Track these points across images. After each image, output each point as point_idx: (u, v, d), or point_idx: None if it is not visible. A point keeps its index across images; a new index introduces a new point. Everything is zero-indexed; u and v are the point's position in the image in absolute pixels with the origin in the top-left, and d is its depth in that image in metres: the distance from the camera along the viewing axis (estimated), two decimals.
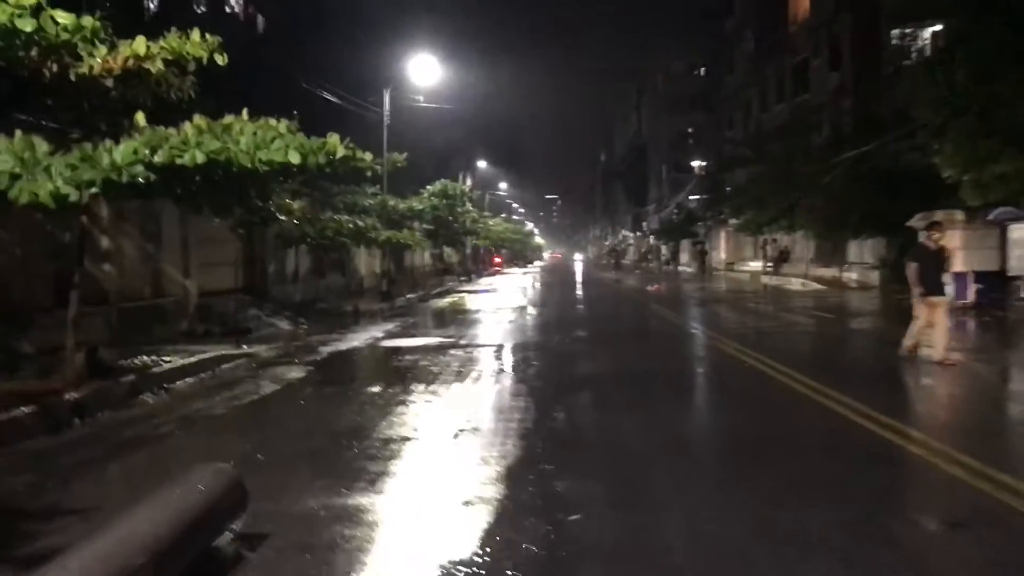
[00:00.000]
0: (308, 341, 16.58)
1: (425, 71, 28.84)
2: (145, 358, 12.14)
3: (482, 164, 62.44)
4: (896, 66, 31.55)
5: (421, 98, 28.24)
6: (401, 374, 11.65)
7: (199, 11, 29.38)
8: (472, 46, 37.50)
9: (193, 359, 12.46)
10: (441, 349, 14.39)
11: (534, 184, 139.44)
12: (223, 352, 13.62)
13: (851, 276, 32.73)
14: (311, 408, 9.73)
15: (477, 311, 23.97)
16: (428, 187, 30.29)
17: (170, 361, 12.02)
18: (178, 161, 7.72)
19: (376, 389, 10.41)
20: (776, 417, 8.46)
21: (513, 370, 11.87)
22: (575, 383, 10.91)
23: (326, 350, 14.88)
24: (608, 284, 40.89)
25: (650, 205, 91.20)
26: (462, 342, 15.40)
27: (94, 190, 7.41)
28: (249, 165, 7.91)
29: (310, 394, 10.61)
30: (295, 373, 12.15)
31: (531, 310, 24.10)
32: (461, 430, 7.85)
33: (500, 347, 14.50)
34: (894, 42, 33.25)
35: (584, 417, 8.83)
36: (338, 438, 7.64)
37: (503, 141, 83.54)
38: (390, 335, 17.41)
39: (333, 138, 8.81)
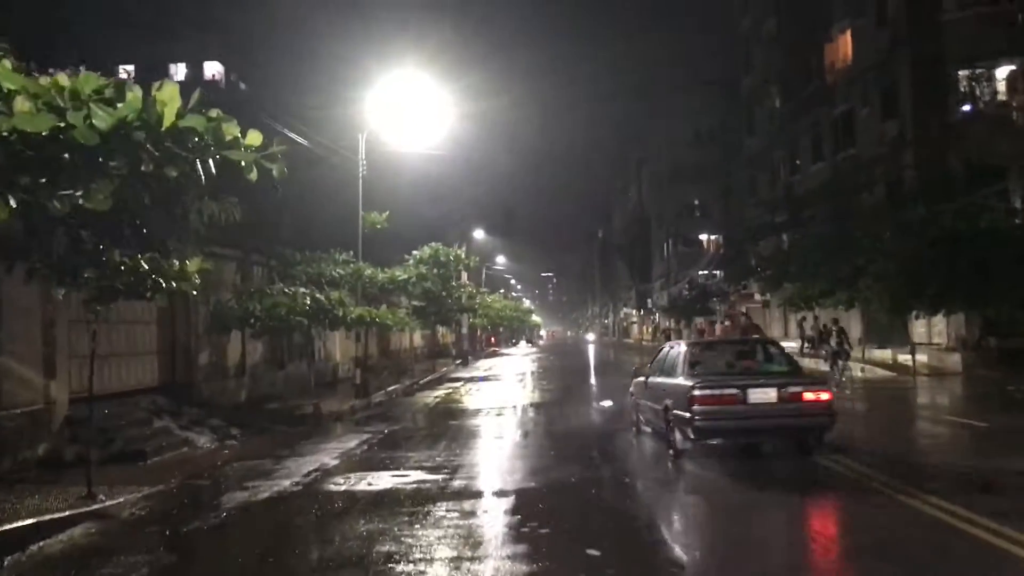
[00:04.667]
0: (219, 474, 10.91)
1: (413, 120, 23.67)
2: None
3: (479, 235, 57.25)
4: (973, 111, 26.63)
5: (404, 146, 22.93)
6: None
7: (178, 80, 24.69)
8: (461, 108, 33.15)
9: None
10: (418, 500, 8.69)
11: (530, 261, 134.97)
12: (49, 515, 8.04)
13: (921, 359, 27.08)
14: None
15: (476, 412, 18.24)
16: (415, 252, 24.75)
17: None
18: None
19: None
20: None
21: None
22: None
23: (233, 500, 9.20)
24: (627, 364, 35.11)
25: (656, 281, 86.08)
26: (454, 483, 9.66)
27: None
28: None
29: None
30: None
31: (550, 410, 18.39)
32: None
33: (516, 498, 8.77)
34: (962, 85, 28.40)
35: None
36: None
37: (498, 214, 79.08)
38: (348, 463, 11.70)
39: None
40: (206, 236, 17.41)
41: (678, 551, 6.57)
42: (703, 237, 73.96)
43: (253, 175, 5.34)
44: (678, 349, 12.34)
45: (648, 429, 13.00)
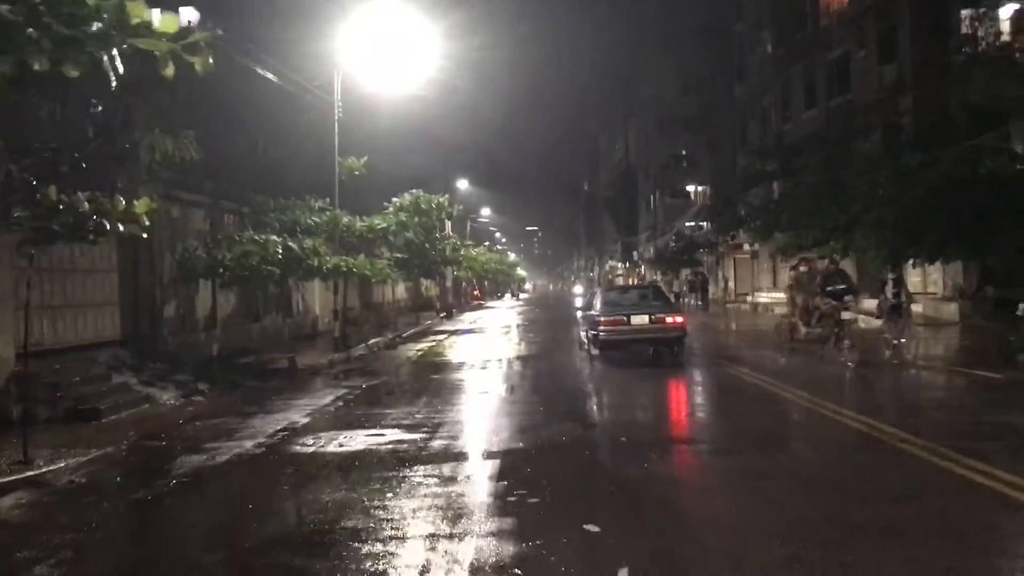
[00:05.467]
0: (178, 434, 10.02)
1: (395, 64, 22.32)
2: None
3: (463, 185, 55.90)
4: (972, 54, 25.57)
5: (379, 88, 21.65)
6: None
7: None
8: (445, 48, 31.60)
9: None
10: (393, 464, 7.81)
11: (514, 214, 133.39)
12: None
13: (916, 309, 26.36)
14: None
15: (460, 366, 17.36)
16: (395, 199, 23.53)
17: None
18: None
19: None
20: None
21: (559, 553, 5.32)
22: None
23: (188, 464, 8.30)
24: None
25: (642, 233, 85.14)
26: (434, 444, 8.78)
27: None
28: None
29: None
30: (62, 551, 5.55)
31: (537, 363, 17.55)
32: None
33: (501, 461, 7.89)
34: (963, 26, 27.27)
35: None
36: None
37: (483, 166, 77.60)
38: (320, 420, 10.80)
39: None
40: (169, 179, 16.51)
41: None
42: (690, 188, 72.88)
43: (170, 70, 4.32)
44: (598, 293, 20.40)
45: (585, 343, 18.74)
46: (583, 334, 19.24)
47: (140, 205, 8.66)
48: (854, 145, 30.35)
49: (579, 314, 20.82)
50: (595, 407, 11.48)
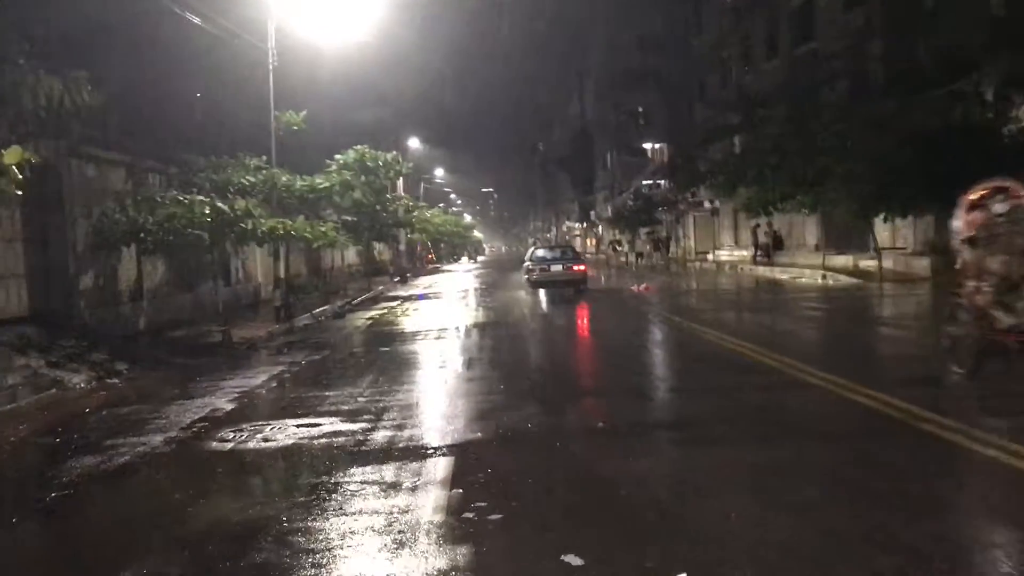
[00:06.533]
0: (78, 427, 8.55)
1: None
2: None
3: (414, 144, 53.91)
4: None
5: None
6: None
7: None
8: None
9: None
10: (324, 466, 6.45)
11: (468, 175, 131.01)
12: None
13: (887, 265, 25.49)
14: None
15: (413, 336, 15.98)
16: (338, 156, 21.78)
17: None
18: None
19: None
20: None
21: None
22: None
23: (76, 468, 6.86)
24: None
25: (599, 193, 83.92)
26: (376, 437, 7.40)
27: None
28: None
29: None
30: None
31: (496, 329, 16.23)
32: None
33: (456, 458, 6.56)
34: None
35: None
36: None
37: (434, 122, 75.44)
38: (247, 406, 9.37)
39: None
40: (82, 135, 14.74)
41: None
42: (648, 146, 71.45)
43: None
44: (531, 250, 34.41)
45: (524, 279, 29.33)
46: (524, 276, 29.87)
47: (9, 155, 7.11)
48: (820, 95, 29.30)
49: (523, 264, 32.34)
50: (564, 384, 10.17)
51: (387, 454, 6.72)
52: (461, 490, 5.58)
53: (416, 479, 5.96)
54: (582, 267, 26.26)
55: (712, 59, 44.06)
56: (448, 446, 6.87)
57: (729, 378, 9.56)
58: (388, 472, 6.18)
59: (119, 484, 6.51)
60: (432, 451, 6.75)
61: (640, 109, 72.12)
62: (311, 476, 6.20)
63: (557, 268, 25.94)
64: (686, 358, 11.66)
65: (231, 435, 7.79)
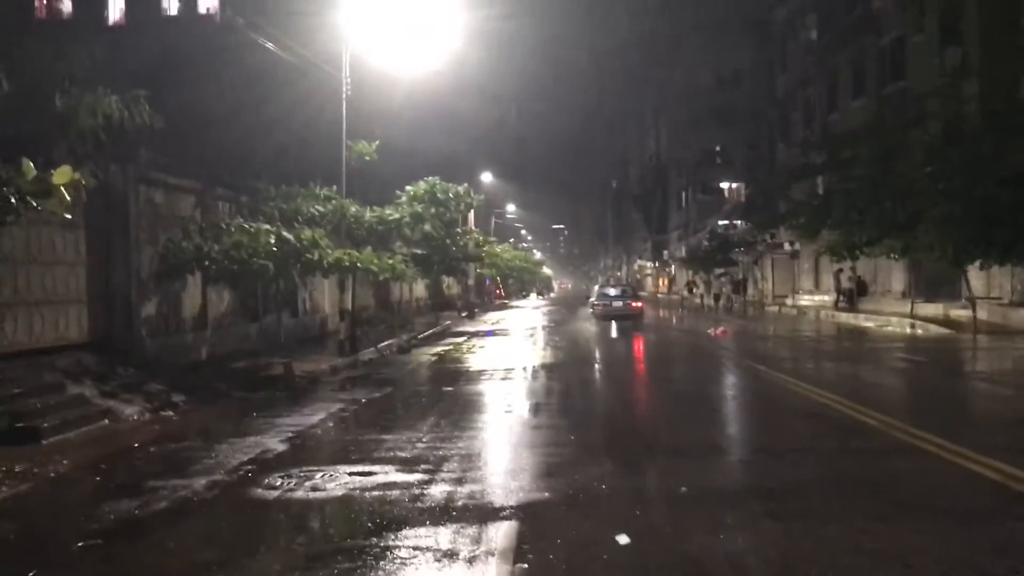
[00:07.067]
0: (122, 464, 8.09)
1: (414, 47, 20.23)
2: None
3: (487, 178, 53.70)
4: None
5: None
6: None
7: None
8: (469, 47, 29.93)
9: None
10: (379, 523, 5.78)
11: (540, 211, 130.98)
12: None
13: (982, 316, 23.92)
14: None
15: (479, 375, 15.31)
16: (408, 188, 21.37)
17: None
18: None
19: None
20: None
21: None
22: None
23: (111, 515, 6.37)
24: (647, 324, 32.06)
25: (672, 232, 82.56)
26: (433, 492, 6.70)
27: None
28: None
29: None
30: None
31: (564, 371, 15.45)
32: None
33: (520, 523, 5.83)
34: None
35: None
36: None
37: (507, 155, 75.34)
38: (300, 448, 8.79)
39: None
40: (151, 161, 14.59)
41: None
42: (724, 185, 70.15)
43: None
44: (596, 288, 45.77)
45: (590, 311, 34.89)
46: (590, 310, 35.48)
47: (58, 175, 6.69)
48: (910, 135, 27.96)
49: (589, 300, 39.46)
50: (639, 437, 9.33)
51: (444, 513, 6.02)
52: (526, 566, 4.83)
53: (475, 547, 5.24)
54: (639, 304, 31.79)
55: (795, 98, 42.90)
56: (512, 508, 6.13)
57: (826, 438, 8.60)
58: (444, 536, 5.48)
59: (151, 535, 5.92)
60: (494, 513, 6.02)
61: (718, 148, 70.96)
62: (359, 537, 5.53)
63: (618, 304, 31.48)
64: (775, 412, 10.68)
65: (279, 481, 7.19)
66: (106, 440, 9.55)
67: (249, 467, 7.85)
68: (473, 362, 17.91)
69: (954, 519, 5.64)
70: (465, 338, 25.32)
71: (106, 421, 10.59)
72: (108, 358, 13.00)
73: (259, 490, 6.97)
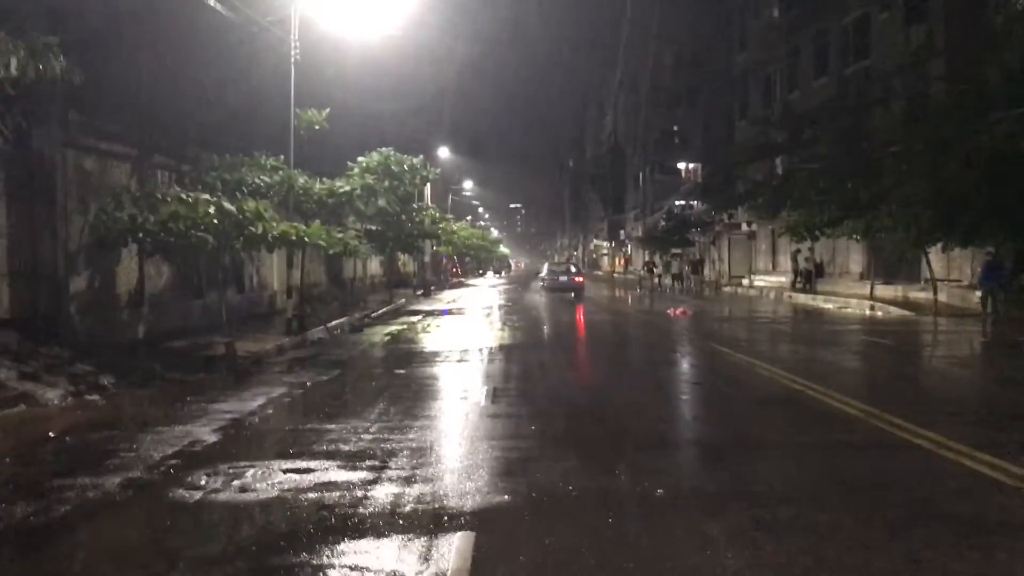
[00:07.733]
0: (27, 460, 7.17)
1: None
2: None
3: (444, 153, 52.63)
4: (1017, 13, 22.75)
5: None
6: None
7: None
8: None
9: None
10: (314, 534, 5.00)
11: (497, 189, 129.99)
12: None
13: (941, 299, 23.70)
14: None
15: (433, 356, 14.54)
16: (361, 159, 20.30)
17: None
18: None
19: None
20: None
21: None
22: None
23: (6, 517, 5.41)
24: (606, 305, 31.51)
25: (629, 212, 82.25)
26: (377, 494, 5.93)
27: None
28: None
29: None
30: None
31: (524, 353, 14.72)
32: None
33: (481, 529, 5.12)
34: None
35: None
36: None
37: (464, 135, 74.25)
38: (234, 438, 7.94)
39: None
40: (80, 124, 13.47)
41: None
42: (682, 166, 69.90)
43: None
44: (545, 265, 51.45)
45: (539, 285, 41.41)
46: (540, 283, 41.15)
47: None
48: (873, 115, 27.62)
49: (539, 275, 44.01)
50: (607, 429, 8.62)
51: (389, 522, 5.25)
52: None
53: (423, 567, 4.48)
54: (580, 279, 37.29)
55: (756, 77, 42.50)
56: (467, 514, 5.38)
57: (810, 431, 8.00)
58: (387, 552, 4.72)
59: (41, 548, 5.05)
60: (446, 521, 5.26)
61: (676, 127, 70.52)
62: (286, 553, 4.74)
63: (563, 279, 37.03)
64: (749, 401, 10.05)
65: (203, 480, 6.36)
66: (17, 429, 8.59)
67: (172, 462, 7.00)
68: (428, 342, 17.11)
69: (965, 527, 5.02)
70: (420, 317, 24.49)
71: (22, 407, 9.61)
72: (33, 337, 11.97)
73: (179, 491, 6.13)
